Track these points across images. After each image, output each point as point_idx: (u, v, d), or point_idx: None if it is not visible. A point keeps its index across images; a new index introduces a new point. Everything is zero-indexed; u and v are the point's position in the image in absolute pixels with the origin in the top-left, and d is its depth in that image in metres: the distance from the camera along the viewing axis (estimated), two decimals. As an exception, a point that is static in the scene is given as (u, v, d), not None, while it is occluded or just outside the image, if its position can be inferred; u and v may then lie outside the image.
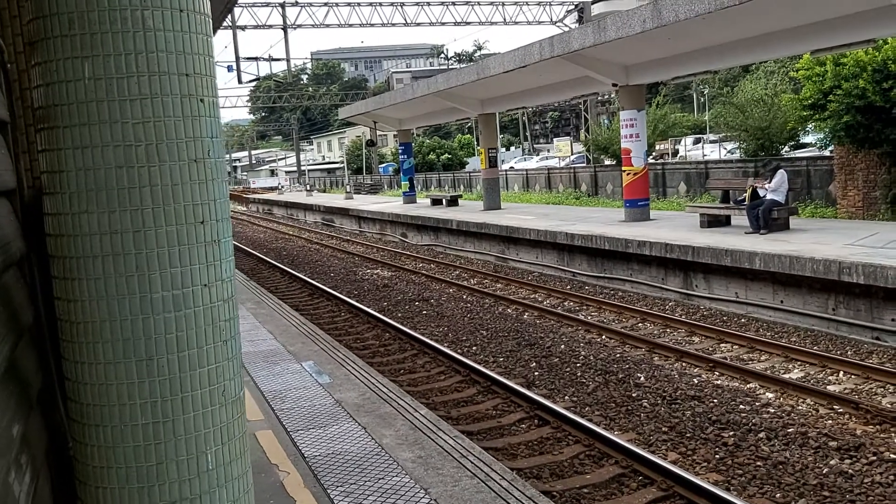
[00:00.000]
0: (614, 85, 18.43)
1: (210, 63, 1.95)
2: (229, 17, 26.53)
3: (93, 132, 1.78)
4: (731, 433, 7.59)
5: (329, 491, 4.66)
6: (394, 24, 34.97)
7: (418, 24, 35.26)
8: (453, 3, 35.14)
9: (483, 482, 4.65)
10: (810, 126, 19.59)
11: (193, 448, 1.90)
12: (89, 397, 1.86)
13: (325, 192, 58.84)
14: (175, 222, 1.85)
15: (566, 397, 9.08)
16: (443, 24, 35.20)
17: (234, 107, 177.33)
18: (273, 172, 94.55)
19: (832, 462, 6.78)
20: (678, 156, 38.30)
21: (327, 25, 34.78)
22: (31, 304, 2.17)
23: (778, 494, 6.27)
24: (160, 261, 1.83)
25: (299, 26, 34.12)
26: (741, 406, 8.33)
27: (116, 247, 1.80)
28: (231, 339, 2.00)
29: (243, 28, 32.65)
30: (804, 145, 29.72)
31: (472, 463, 4.97)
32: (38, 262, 2.09)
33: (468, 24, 35.59)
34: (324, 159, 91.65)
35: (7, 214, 2.07)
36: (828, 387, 8.81)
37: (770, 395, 8.64)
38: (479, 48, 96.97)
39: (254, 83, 63.99)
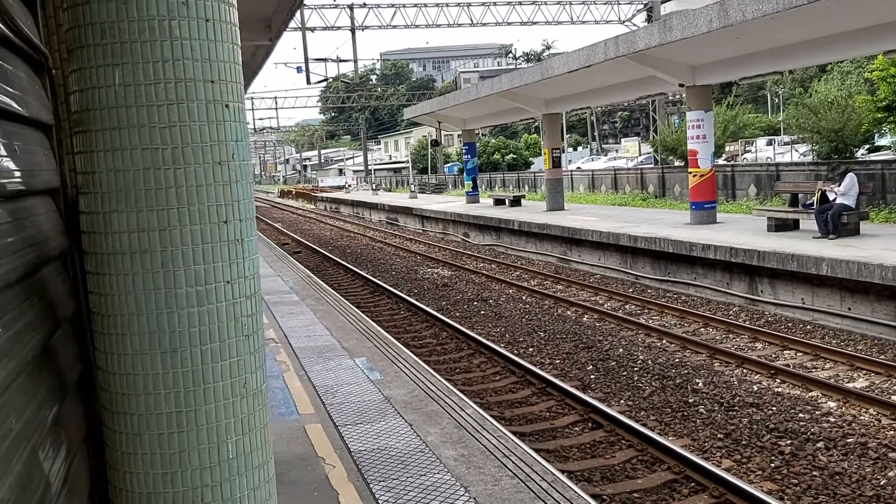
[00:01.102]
0: (681, 85, 18.13)
1: (236, 70, 2.04)
2: (298, 18, 27.05)
3: (122, 136, 1.89)
4: (789, 442, 7.42)
5: (371, 485, 4.75)
6: (460, 25, 35.13)
7: (484, 25, 35.30)
8: (520, 3, 35.07)
9: (523, 482, 4.67)
10: (886, 128, 18.88)
11: (215, 437, 1.99)
12: (118, 386, 1.97)
13: (390, 191, 59.39)
14: (199, 222, 1.95)
15: (621, 401, 9.00)
16: (509, 24, 35.16)
17: (305, 107, 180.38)
18: (341, 171, 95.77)
19: (891, 473, 6.56)
20: (741, 157, 37.29)
21: (394, 26, 35.14)
22: (73, 296, 2.30)
23: (833, 506, 6.12)
24: (185, 258, 1.93)
25: (367, 27, 34.56)
26: (801, 414, 8.13)
27: (144, 244, 1.91)
28: (253, 334, 2.09)
29: (312, 30, 33.24)
30: (879, 148, 28.65)
31: (513, 463, 5.00)
32: (79, 257, 2.21)
33: (535, 23, 35.48)
34: (390, 159, 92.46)
35: (49, 212, 2.20)
36: (892, 397, 8.52)
37: (832, 404, 8.41)
38: (548, 47, 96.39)
39: (324, 84, 64.99)
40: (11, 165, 1.87)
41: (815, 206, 14.13)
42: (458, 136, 53.27)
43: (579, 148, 73.25)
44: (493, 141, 59.34)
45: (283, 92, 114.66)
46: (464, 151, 34.78)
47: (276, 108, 69.72)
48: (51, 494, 1.78)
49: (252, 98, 67.29)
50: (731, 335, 11.74)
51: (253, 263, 2.10)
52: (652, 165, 35.78)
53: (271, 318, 10.60)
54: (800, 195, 15.73)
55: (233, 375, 2.02)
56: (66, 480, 1.95)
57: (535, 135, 62.16)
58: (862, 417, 7.96)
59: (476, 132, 36.97)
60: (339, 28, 34.20)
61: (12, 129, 1.93)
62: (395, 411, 6.25)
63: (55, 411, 1.93)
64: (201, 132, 1.95)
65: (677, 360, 10.43)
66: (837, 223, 13.50)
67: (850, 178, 13.65)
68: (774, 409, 8.34)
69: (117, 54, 1.87)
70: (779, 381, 9.33)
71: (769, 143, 41.10)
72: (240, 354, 2.03)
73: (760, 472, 6.85)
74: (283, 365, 7.99)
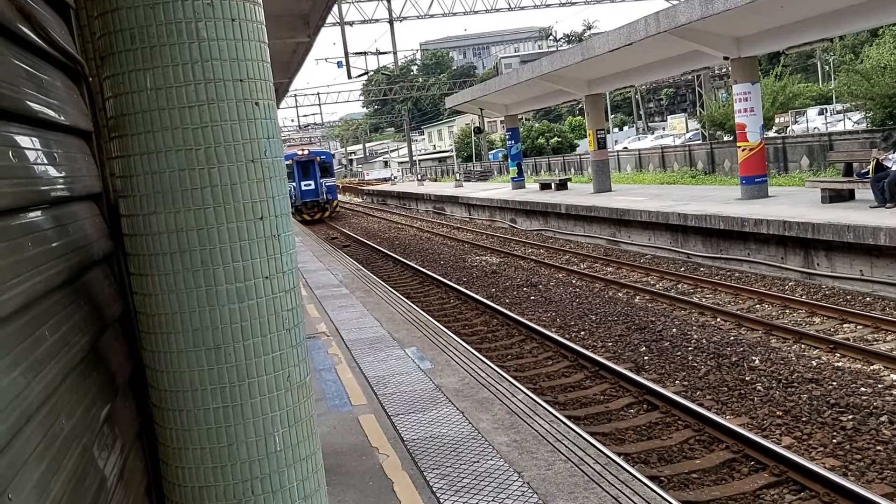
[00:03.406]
0: (725, 58, 17.76)
1: (264, 68, 2.06)
2: (336, 13, 27.18)
3: (157, 138, 1.93)
4: (851, 417, 7.25)
5: (425, 473, 4.79)
6: (498, 10, 34.87)
7: (523, 8, 34.96)
8: (558, -16, 34.66)
9: (577, 466, 4.66)
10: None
11: (262, 430, 2.02)
12: (165, 384, 2.01)
13: (436, 180, 59.44)
14: (235, 219, 1.98)
15: (676, 382, 8.90)
16: (548, 5, 34.77)
17: (347, 101, 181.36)
18: (386, 164, 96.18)
19: (960, 447, 6.37)
20: (789, 129, 36.34)
21: (432, 16, 35.06)
22: (120, 298, 2.36)
23: (899, 481, 5.96)
24: (223, 256, 1.97)
25: (405, 18, 34.55)
26: (862, 388, 7.94)
27: (182, 244, 1.95)
28: (294, 328, 2.11)
29: (350, 24, 33.34)
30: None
31: (566, 447, 4.98)
32: (124, 259, 2.27)
33: (573, 3, 35.03)
34: (434, 148, 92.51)
35: (93, 216, 2.26)
36: (960, 368, 8.26)
37: (895, 377, 8.19)
38: (589, 27, 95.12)
39: (365, 77, 65.17)
40: (52, 172, 1.92)
41: (870, 175, 13.72)
42: (501, 122, 53.03)
43: (625, 128, 72.30)
44: (537, 125, 58.88)
45: (326, 87, 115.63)
46: (507, 137, 34.63)
47: (319, 104, 70.23)
48: (106, 489, 1.84)
49: (295, 95, 67.82)
50: (787, 310, 11.51)
51: (291, 258, 2.12)
52: (700, 142, 35.16)
53: (322, 311, 10.72)
54: (854, 164, 15.30)
55: (276, 369, 2.05)
56: (121, 476, 2.01)
57: (579, 117, 61.50)
58: (927, 389, 7.74)
59: (519, 117, 36.74)
60: (377, 20, 34.24)
61: (52, 138, 1.98)
62: (447, 399, 6.28)
63: (107, 410, 1.99)
64: (233, 131, 1.97)
65: (732, 338, 10.27)
66: (894, 191, 13.10)
67: (907, 144, 13.23)
68: (835, 384, 8.16)
69: (147, 58, 1.90)
70: (839, 355, 9.12)
71: (821, 113, 40.04)
72: (282, 348, 2.06)
73: (822, 449, 6.72)
74: (336, 358, 8.09)
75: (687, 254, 16.68)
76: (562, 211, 22.75)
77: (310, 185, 36.11)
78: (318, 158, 36.75)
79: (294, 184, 35.67)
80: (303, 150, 37.54)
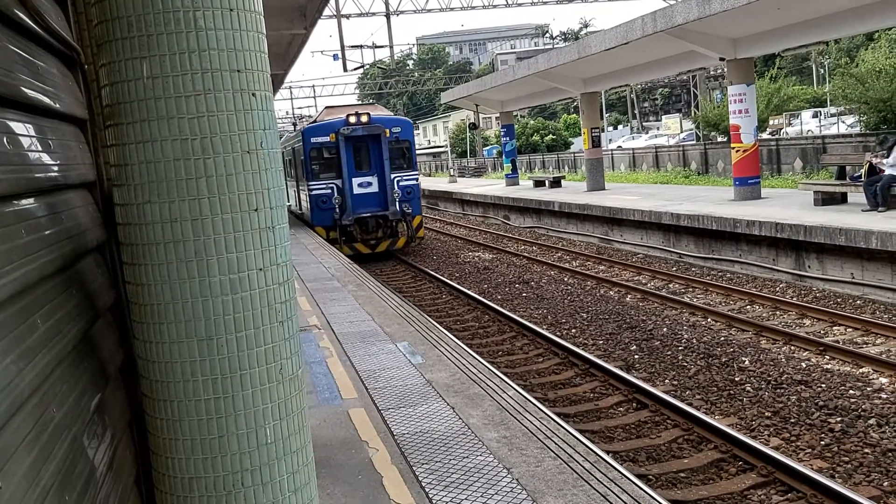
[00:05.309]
0: (721, 59, 17.79)
1: (262, 59, 2.05)
2: (333, 5, 27.09)
3: (152, 128, 1.92)
4: (839, 419, 7.29)
5: (415, 468, 4.79)
6: (495, 6, 34.80)
7: (520, 5, 34.90)
8: (555, -19, 34.63)
9: (566, 463, 4.66)
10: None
11: (252, 422, 2.02)
12: (157, 374, 2.01)
13: (430, 175, 59.38)
14: (230, 210, 1.97)
15: (666, 381, 8.93)
16: (545, 2, 34.74)
17: (342, 94, 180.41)
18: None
19: (947, 451, 6.41)
20: (783, 131, 36.47)
21: (429, 10, 35.00)
22: (113, 287, 2.35)
23: (886, 483, 6.00)
24: (217, 247, 1.96)
25: (402, 12, 34.48)
26: (851, 391, 7.98)
27: (177, 234, 1.94)
28: (287, 321, 2.11)
29: (347, 17, 33.21)
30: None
31: (555, 444, 4.99)
32: (117, 248, 2.26)
33: (570, 1, 35.01)
34: (429, 143, 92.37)
35: (86, 205, 2.25)
36: (948, 372, 8.31)
37: (884, 380, 8.23)
38: (585, 25, 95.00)
39: (361, 70, 65.03)
40: (47, 160, 1.91)
41: (863, 179, 13.77)
42: (497, 118, 52.98)
43: (619, 126, 72.37)
44: (532, 122, 58.82)
45: (321, 80, 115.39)
46: (502, 134, 34.62)
47: (314, 97, 70.05)
48: (95, 479, 1.83)
49: (290, 87, 67.64)
50: (778, 312, 11.55)
51: (285, 250, 2.12)
52: (694, 142, 35.23)
53: (314, 304, 10.70)
54: (847, 168, 15.36)
55: (268, 361, 2.05)
56: (111, 465, 2.00)
57: (574, 115, 61.48)
58: (915, 393, 7.78)
59: (514, 114, 36.69)
60: (373, 14, 34.14)
61: (47, 125, 1.97)
62: (438, 394, 6.28)
63: (98, 399, 1.98)
64: (229, 121, 1.97)
65: (723, 338, 10.30)
66: (887, 195, 13.15)
67: (900, 149, 13.27)
68: (823, 386, 8.19)
69: (144, 47, 1.89)
70: (828, 357, 9.16)
71: (815, 116, 40.16)
72: (275, 341, 2.06)
73: (810, 451, 6.75)
74: (327, 351, 8.07)
75: (679, 253, 16.71)
76: (555, 208, 22.76)
77: (369, 182, 19.45)
78: (388, 131, 19.48)
79: (337, 181, 19.35)
80: (357, 113, 19.32)
